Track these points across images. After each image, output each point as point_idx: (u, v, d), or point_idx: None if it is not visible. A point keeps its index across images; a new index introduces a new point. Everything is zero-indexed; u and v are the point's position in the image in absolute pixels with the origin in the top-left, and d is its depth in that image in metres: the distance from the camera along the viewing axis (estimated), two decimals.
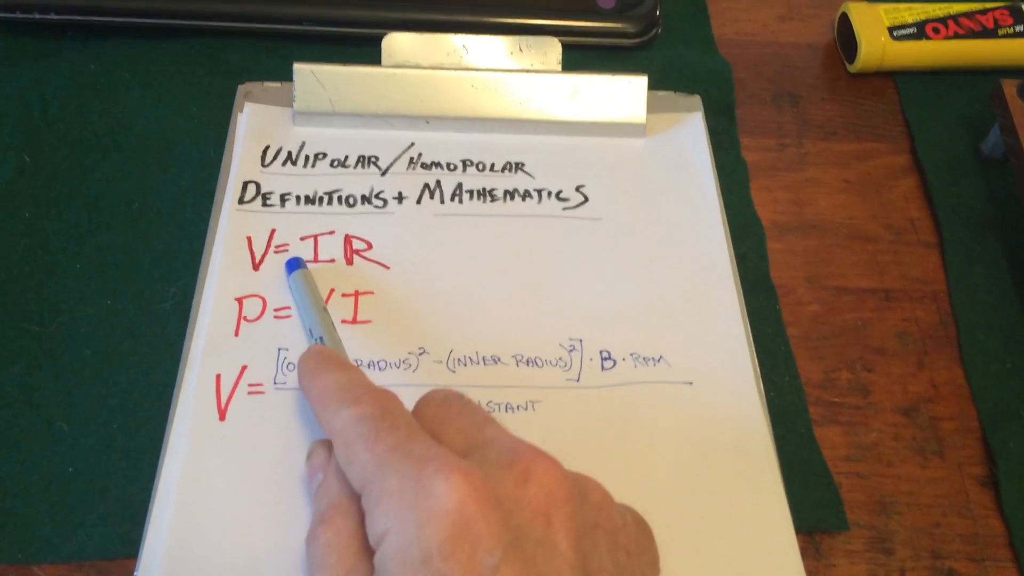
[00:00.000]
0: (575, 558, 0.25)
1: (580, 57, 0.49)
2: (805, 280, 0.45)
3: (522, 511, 0.25)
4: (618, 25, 0.51)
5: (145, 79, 0.48)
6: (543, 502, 0.26)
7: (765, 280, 0.44)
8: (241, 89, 0.47)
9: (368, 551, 0.27)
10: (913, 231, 0.47)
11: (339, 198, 0.43)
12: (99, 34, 0.50)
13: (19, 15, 0.48)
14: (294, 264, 0.40)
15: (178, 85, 0.48)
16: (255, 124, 0.45)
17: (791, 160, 0.49)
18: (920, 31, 0.52)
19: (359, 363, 0.38)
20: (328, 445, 0.31)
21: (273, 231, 0.41)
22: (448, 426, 0.29)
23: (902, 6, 0.53)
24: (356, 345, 0.38)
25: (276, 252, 0.41)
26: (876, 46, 0.51)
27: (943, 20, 0.52)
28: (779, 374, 0.40)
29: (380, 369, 0.38)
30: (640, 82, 0.45)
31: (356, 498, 0.28)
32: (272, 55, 0.50)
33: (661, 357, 0.39)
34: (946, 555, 0.37)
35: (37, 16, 0.48)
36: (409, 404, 0.31)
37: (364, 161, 0.44)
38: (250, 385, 0.37)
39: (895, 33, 0.52)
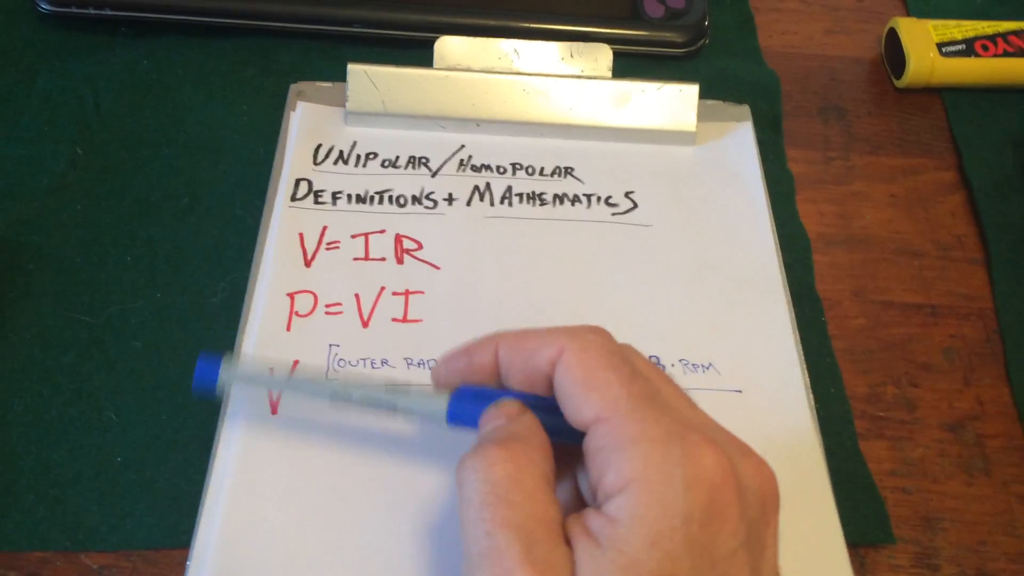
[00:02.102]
0: (775, 564, 0.27)
1: (627, 65, 0.49)
2: (851, 293, 0.44)
3: (753, 505, 0.26)
4: (666, 34, 0.51)
5: (197, 77, 0.49)
6: (765, 501, 0.26)
7: (810, 292, 0.43)
8: (293, 88, 0.47)
9: (554, 499, 0.26)
10: (960, 247, 0.47)
11: (390, 198, 0.43)
12: (152, 31, 0.51)
13: (74, 10, 0.49)
14: (205, 374, 0.32)
15: (229, 83, 0.49)
16: (307, 123, 0.45)
17: (837, 173, 0.49)
18: (969, 48, 0.52)
19: (408, 362, 0.38)
20: (521, 403, 0.28)
21: (325, 228, 0.42)
22: (666, 388, 0.28)
23: (951, 23, 0.53)
24: (407, 344, 0.38)
25: (328, 249, 0.41)
26: (925, 62, 0.51)
27: (992, 38, 0.52)
28: (824, 386, 0.40)
29: (429, 368, 0.38)
30: (691, 90, 0.46)
31: (546, 443, 0.27)
32: (323, 56, 0.50)
33: (710, 364, 0.39)
34: (992, 573, 0.36)
35: (91, 11, 0.49)
36: None
37: (415, 162, 0.45)
38: None
39: (944, 49, 0.52)
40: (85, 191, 0.44)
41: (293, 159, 0.44)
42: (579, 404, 0.26)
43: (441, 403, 0.29)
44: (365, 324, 0.39)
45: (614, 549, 0.24)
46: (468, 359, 0.30)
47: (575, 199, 0.44)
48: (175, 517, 0.35)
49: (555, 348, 0.27)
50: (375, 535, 0.33)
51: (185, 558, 0.33)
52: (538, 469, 0.26)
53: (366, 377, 0.33)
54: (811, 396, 0.39)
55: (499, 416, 0.28)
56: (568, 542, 0.25)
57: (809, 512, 0.35)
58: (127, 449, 0.36)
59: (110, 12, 0.49)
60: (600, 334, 0.28)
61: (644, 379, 0.27)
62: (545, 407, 0.28)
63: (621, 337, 0.32)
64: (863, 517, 0.37)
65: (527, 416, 0.28)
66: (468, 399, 0.29)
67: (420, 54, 0.47)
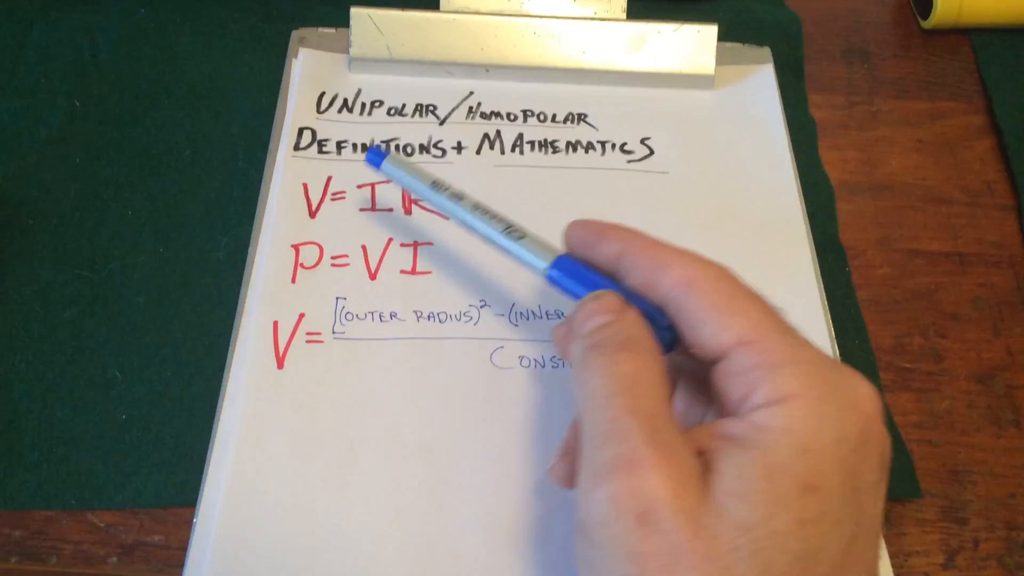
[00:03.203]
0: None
1: (642, 8, 0.47)
2: (876, 242, 0.43)
3: (886, 454, 0.26)
4: None
5: (196, 25, 0.47)
6: (887, 456, 0.26)
7: (834, 241, 0.42)
8: (295, 35, 0.46)
9: (670, 399, 0.27)
10: (989, 194, 0.45)
11: (397, 146, 0.42)
12: None
13: None
14: (376, 154, 0.36)
15: (230, 32, 0.47)
16: (310, 70, 0.44)
17: (861, 118, 0.47)
18: None
19: (419, 315, 0.37)
20: (621, 297, 0.28)
21: (329, 178, 0.40)
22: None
23: None
24: (416, 296, 0.37)
25: (333, 200, 0.40)
26: (953, 1, 0.49)
27: None
28: (848, 338, 0.39)
29: (441, 321, 0.36)
30: (710, 31, 0.44)
31: (659, 352, 0.27)
32: (325, 2, 0.48)
33: None
34: (1021, 526, 0.35)
35: None
36: (477, 359, 0.31)
37: (422, 110, 0.43)
38: (308, 334, 0.36)
39: None
40: (83, 144, 0.43)
41: (296, 107, 0.42)
42: (718, 327, 0.26)
43: (546, 259, 0.30)
44: (372, 276, 0.38)
45: (759, 450, 0.24)
46: (597, 238, 0.30)
47: (589, 146, 0.42)
48: (182, 475, 0.34)
49: (686, 270, 0.27)
50: (382, 487, 0.33)
51: (192, 516, 0.33)
52: (658, 368, 0.26)
53: (492, 212, 0.32)
54: (836, 347, 0.37)
55: (603, 311, 0.28)
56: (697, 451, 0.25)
57: None
58: (131, 406, 0.36)
59: None
60: (729, 269, 0.28)
61: (777, 311, 0.27)
62: (644, 313, 0.28)
63: None
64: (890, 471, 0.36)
65: (632, 313, 0.28)
66: (571, 269, 0.30)
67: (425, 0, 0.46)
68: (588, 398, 0.26)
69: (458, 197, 0.33)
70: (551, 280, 0.30)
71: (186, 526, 0.33)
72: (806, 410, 0.24)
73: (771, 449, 0.24)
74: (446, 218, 0.39)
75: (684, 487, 0.23)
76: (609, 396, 0.25)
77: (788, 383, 0.25)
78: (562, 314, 0.37)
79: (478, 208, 0.32)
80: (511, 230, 0.31)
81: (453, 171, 0.41)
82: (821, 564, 0.23)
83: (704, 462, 0.24)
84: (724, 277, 0.27)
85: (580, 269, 0.30)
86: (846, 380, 0.25)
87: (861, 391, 0.25)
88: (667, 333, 0.27)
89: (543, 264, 0.30)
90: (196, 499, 0.33)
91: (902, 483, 0.36)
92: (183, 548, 0.32)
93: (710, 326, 0.26)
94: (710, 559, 0.22)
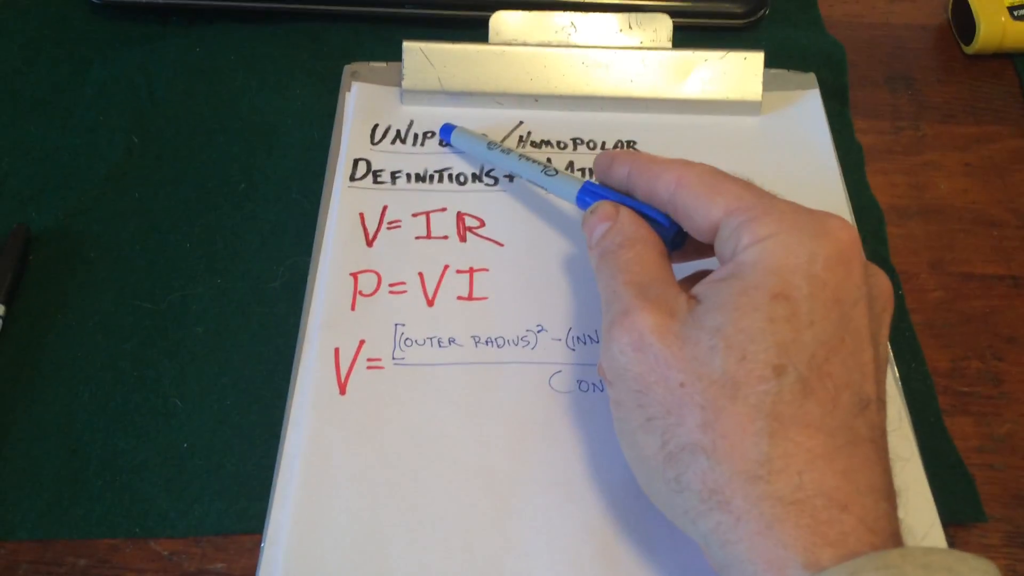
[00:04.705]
0: (887, 352, 0.32)
1: (687, 37, 0.48)
2: (928, 266, 0.43)
3: (875, 287, 0.29)
4: (726, 5, 0.49)
5: (249, 62, 0.48)
6: (884, 295, 0.30)
7: (885, 265, 0.42)
8: (347, 69, 0.47)
9: (668, 266, 0.32)
10: None
11: (449, 176, 0.42)
12: (203, 18, 0.50)
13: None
14: (447, 129, 0.43)
15: (282, 68, 0.48)
16: (363, 103, 0.45)
17: (908, 143, 0.47)
18: None
19: (476, 340, 0.37)
20: (613, 203, 0.34)
21: (385, 207, 0.41)
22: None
23: None
24: (474, 322, 0.37)
25: (389, 228, 0.40)
26: (996, 26, 0.49)
27: None
28: (904, 362, 0.39)
29: (499, 346, 0.37)
30: (756, 58, 0.44)
31: (654, 237, 0.32)
32: (374, 38, 0.49)
33: None
34: None
35: (143, 0, 0.49)
36: (535, 383, 0.35)
37: None
38: (369, 360, 0.36)
39: (1016, 13, 0.49)
40: (142, 179, 0.44)
41: (350, 139, 0.43)
42: (707, 208, 0.30)
43: (575, 187, 0.37)
44: (430, 303, 0.38)
45: (736, 278, 0.28)
46: (610, 164, 0.35)
47: None
48: (243, 502, 0.34)
49: (675, 172, 0.32)
50: (446, 511, 0.33)
51: (254, 543, 0.33)
52: (650, 251, 0.32)
53: (532, 159, 0.40)
54: (896, 371, 0.37)
55: (601, 219, 0.34)
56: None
57: (901, 491, 0.33)
58: (193, 435, 0.36)
59: (161, 1, 0.49)
60: (712, 166, 0.32)
61: (760, 188, 0.31)
62: (654, 219, 0.33)
63: None
64: (952, 495, 0.35)
65: (624, 212, 0.33)
66: (593, 192, 0.36)
67: (472, 33, 0.46)
68: (602, 286, 0.32)
69: (507, 151, 0.41)
70: (579, 202, 0.36)
71: (248, 554, 0.33)
72: (778, 242, 0.28)
73: (746, 274, 0.28)
74: (502, 244, 0.40)
75: (669, 318, 0.29)
76: (612, 277, 0.31)
77: (766, 226, 0.28)
78: None
79: (523, 157, 0.40)
80: (547, 169, 0.39)
81: (505, 199, 0.42)
82: (800, 352, 0.26)
83: (694, 301, 0.29)
84: (708, 170, 0.32)
85: (599, 191, 0.36)
86: (820, 217, 0.29)
87: (833, 223, 0.29)
88: (671, 232, 0.33)
89: (573, 191, 0.36)
90: (257, 526, 0.33)
91: (966, 507, 0.35)
92: None
93: (701, 210, 0.30)
94: (692, 360, 0.27)
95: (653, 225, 0.33)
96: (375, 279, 0.39)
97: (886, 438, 0.28)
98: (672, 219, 0.32)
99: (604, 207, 0.34)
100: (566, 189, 0.37)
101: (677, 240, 0.33)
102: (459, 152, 0.43)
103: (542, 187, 0.40)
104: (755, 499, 0.25)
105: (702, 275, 0.31)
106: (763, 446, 0.26)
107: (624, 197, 0.34)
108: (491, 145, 0.41)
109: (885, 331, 0.30)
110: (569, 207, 0.41)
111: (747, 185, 0.31)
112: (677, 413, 0.27)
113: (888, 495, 0.26)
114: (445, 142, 0.43)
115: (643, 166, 0.34)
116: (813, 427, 0.26)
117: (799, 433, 0.26)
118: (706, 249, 0.33)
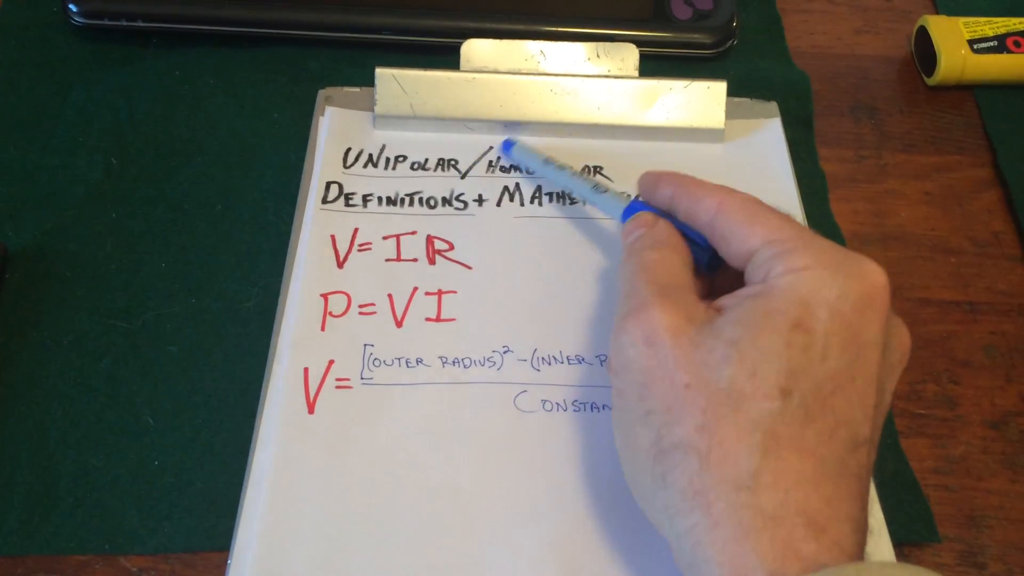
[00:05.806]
0: (889, 404, 0.31)
1: (655, 68, 0.49)
2: None
3: (895, 338, 0.30)
4: (694, 36, 0.51)
5: (228, 86, 0.49)
6: (903, 347, 0.31)
7: None
8: (322, 93, 0.47)
9: (691, 274, 0.33)
10: (997, 244, 0.46)
11: (420, 199, 0.43)
12: (183, 42, 0.51)
13: (106, 22, 0.50)
14: (508, 144, 0.45)
15: (260, 92, 0.49)
16: (336, 127, 0.46)
17: (870, 171, 0.49)
18: (1001, 44, 0.51)
19: (444, 360, 0.38)
20: (653, 214, 0.35)
21: (356, 230, 0.42)
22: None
23: (982, 20, 0.52)
24: (441, 343, 0.38)
25: (359, 250, 0.41)
26: (956, 59, 0.51)
27: None
28: None
29: (465, 367, 0.37)
30: (719, 87, 0.45)
31: (682, 243, 0.34)
32: (352, 63, 0.50)
33: None
34: None
35: (124, 23, 0.50)
36: (501, 403, 0.35)
37: (444, 164, 0.45)
38: (337, 380, 0.37)
39: (975, 46, 0.51)
40: (120, 200, 0.44)
41: (323, 162, 0.44)
42: (745, 235, 0.31)
43: (622, 204, 0.38)
44: (399, 324, 0.39)
45: (763, 297, 0.29)
46: (655, 184, 0.36)
47: None
48: (212, 519, 0.35)
49: (717, 198, 0.33)
50: (411, 529, 0.33)
51: (223, 560, 0.33)
52: (678, 259, 0.33)
53: (584, 177, 0.42)
54: None
55: (638, 226, 0.35)
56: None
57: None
58: (164, 453, 0.36)
59: (142, 24, 0.49)
60: (752, 195, 0.33)
61: (798, 222, 0.32)
62: (691, 238, 0.34)
63: None
64: (907, 516, 0.36)
65: (662, 222, 0.35)
66: (638, 210, 0.37)
67: (447, 60, 0.48)
68: (623, 280, 0.33)
69: (562, 167, 0.42)
70: (623, 219, 0.37)
71: (216, 570, 0.34)
72: (812, 274, 0.28)
73: (774, 297, 0.29)
74: (470, 267, 0.41)
75: (685, 321, 0.29)
76: (634, 274, 0.32)
77: (802, 258, 0.29)
78: (583, 359, 0.38)
79: (575, 174, 0.42)
80: (597, 187, 0.40)
81: (475, 223, 0.43)
82: (808, 381, 0.27)
83: (715, 312, 0.30)
84: (750, 199, 0.32)
85: (645, 209, 0.36)
86: (857, 259, 0.29)
87: (869, 267, 0.29)
88: (707, 254, 0.34)
89: (620, 208, 0.38)
90: (226, 543, 0.33)
91: (920, 528, 0.36)
92: None
93: (739, 236, 0.31)
94: (703, 365, 0.28)
95: (690, 245, 0.34)
96: (345, 300, 0.39)
97: (871, 479, 0.29)
98: (709, 242, 0.33)
99: (645, 215, 0.35)
100: (614, 206, 0.38)
101: (712, 264, 0.34)
102: (471, 176, 0.45)
103: (592, 203, 0.42)
104: (737, 507, 0.26)
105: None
106: (755, 459, 0.26)
107: (665, 215, 0.36)
108: (547, 161, 0.43)
109: (893, 383, 0.31)
110: (540, 233, 0.42)
111: (787, 219, 0.31)
112: (677, 412, 0.28)
113: (863, 528, 0.27)
114: (505, 155, 0.45)
115: (686, 188, 0.35)
116: (807, 452, 0.27)
117: (792, 455, 0.26)
118: (737, 285, 0.32)
